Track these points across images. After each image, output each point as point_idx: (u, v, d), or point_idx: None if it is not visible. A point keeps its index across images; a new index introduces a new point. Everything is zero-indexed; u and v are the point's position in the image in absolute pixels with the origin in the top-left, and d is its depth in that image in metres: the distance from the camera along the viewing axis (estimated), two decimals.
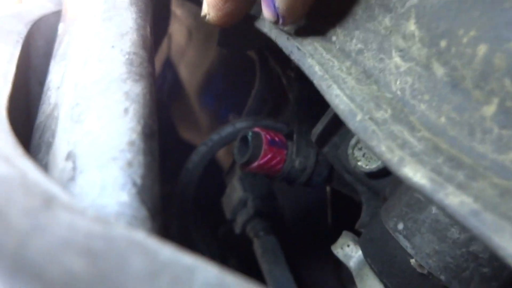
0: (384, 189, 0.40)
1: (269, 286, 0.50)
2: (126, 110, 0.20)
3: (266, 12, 0.28)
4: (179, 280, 0.12)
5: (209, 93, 0.70)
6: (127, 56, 0.22)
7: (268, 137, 0.45)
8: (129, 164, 0.19)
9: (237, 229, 0.58)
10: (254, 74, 0.59)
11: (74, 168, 0.19)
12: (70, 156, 0.19)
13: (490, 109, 0.20)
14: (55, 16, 0.34)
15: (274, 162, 0.47)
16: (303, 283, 0.54)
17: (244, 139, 0.46)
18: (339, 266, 0.47)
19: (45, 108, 0.26)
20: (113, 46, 0.23)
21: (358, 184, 0.43)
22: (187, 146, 0.72)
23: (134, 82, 0.21)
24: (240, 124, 0.55)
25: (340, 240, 0.40)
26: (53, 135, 0.23)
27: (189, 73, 0.70)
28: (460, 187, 0.19)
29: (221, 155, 0.74)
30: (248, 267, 0.57)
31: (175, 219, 0.61)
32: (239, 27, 0.32)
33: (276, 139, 0.46)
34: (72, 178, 0.18)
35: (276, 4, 0.27)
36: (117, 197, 0.17)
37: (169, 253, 0.13)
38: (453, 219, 0.18)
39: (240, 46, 0.43)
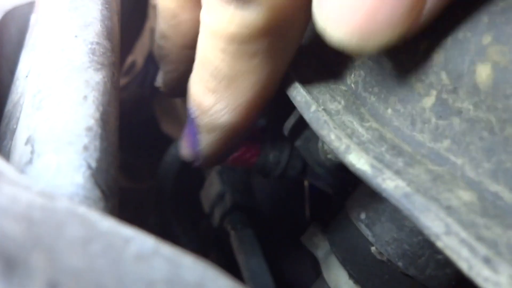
0: (351, 181, 0.42)
1: (244, 277, 0.51)
2: (85, 97, 0.21)
3: (185, 149, 0.27)
4: (112, 247, 0.13)
5: None
6: (89, 46, 0.23)
7: None
8: (85, 148, 0.20)
9: (215, 222, 0.59)
10: None
11: (32, 152, 0.20)
12: (29, 141, 0.20)
13: (429, 101, 0.21)
14: (29, 7, 0.35)
15: (248, 155, 0.48)
16: (280, 274, 0.55)
17: None
18: (315, 257, 0.48)
19: (13, 97, 0.27)
20: (76, 36, 0.23)
21: (328, 177, 0.45)
22: (169, 140, 0.73)
23: (95, 71, 0.22)
24: None
25: (309, 231, 0.41)
26: (17, 122, 0.24)
27: None
28: (398, 172, 0.20)
29: None
30: (228, 261, 0.58)
31: (153, 211, 0.61)
32: None
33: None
34: (29, 161, 0.19)
35: (200, 147, 0.26)
36: (71, 178, 0.18)
37: (108, 224, 0.14)
38: (390, 202, 0.20)
39: None
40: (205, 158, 0.27)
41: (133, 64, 0.78)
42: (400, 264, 0.32)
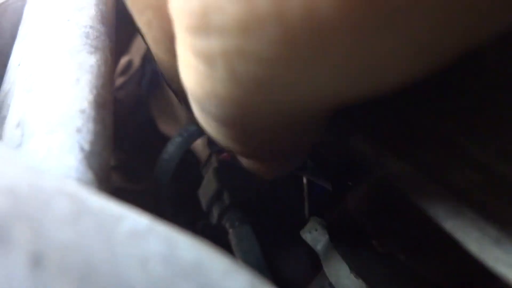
0: (351, 175, 0.41)
1: None
2: (78, 80, 0.20)
3: None
4: (104, 224, 0.12)
5: None
6: (83, 29, 0.23)
7: None
8: (78, 130, 0.19)
9: (213, 220, 0.59)
10: None
11: (22, 135, 0.19)
12: (20, 124, 0.19)
13: None
14: (22, 0, 0.34)
15: None
16: (278, 271, 0.54)
17: None
18: (314, 254, 0.47)
19: (5, 86, 0.26)
20: (69, 20, 0.23)
21: (328, 162, 0.44)
22: (166, 140, 0.72)
23: (89, 54, 0.22)
24: None
25: (309, 225, 0.40)
26: (8, 109, 0.23)
27: None
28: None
29: (200, 149, 0.74)
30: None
31: (150, 212, 0.60)
32: None
33: None
34: (19, 144, 0.19)
35: None
36: (62, 160, 0.18)
37: (100, 202, 0.13)
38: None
39: None
40: None
41: (129, 64, 0.77)
42: (401, 256, 0.32)
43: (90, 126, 0.19)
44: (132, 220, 0.13)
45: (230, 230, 0.54)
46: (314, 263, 0.49)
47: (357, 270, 0.33)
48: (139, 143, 0.75)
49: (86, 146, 0.19)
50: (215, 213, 0.56)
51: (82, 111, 0.20)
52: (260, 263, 0.49)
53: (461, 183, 0.18)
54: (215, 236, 0.61)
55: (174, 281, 0.11)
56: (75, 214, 0.12)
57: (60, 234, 0.11)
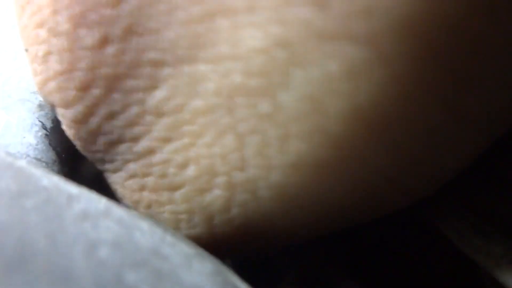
0: None
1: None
2: None
3: None
4: (52, 203, 0.11)
5: None
6: None
7: None
8: (40, 106, 0.18)
9: None
10: None
11: None
12: None
13: None
14: None
15: None
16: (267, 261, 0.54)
17: None
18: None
19: None
20: None
21: None
22: None
23: None
24: None
25: None
26: None
27: None
28: None
29: None
30: None
31: None
32: None
33: None
34: None
35: None
36: (21, 138, 0.17)
37: (52, 180, 0.12)
38: None
39: None
40: None
41: None
42: None
43: None
44: (86, 202, 0.12)
45: None
46: (297, 248, 0.48)
47: None
48: None
49: (48, 124, 0.17)
50: None
51: None
52: None
53: None
54: None
55: (124, 269, 0.10)
56: (20, 191, 0.11)
57: None
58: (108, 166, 0.17)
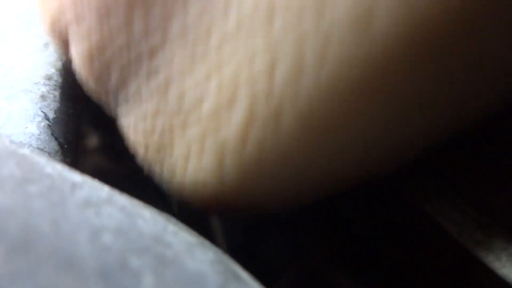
0: None
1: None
2: (46, 45, 0.19)
3: None
4: (55, 190, 0.11)
5: None
6: None
7: None
8: (43, 97, 0.18)
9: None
10: None
11: None
12: None
13: None
14: None
15: None
16: (258, 252, 0.54)
17: None
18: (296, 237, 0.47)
19: None
20: None
21: None
22: None
23: None
24: None
25: None
26: None
27: None
28: None
29: None
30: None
31: (135, 193, 0.60)
32: None
33: None
34: None
35: None
36: (23, 128, 0.17)
37: (59, 168, 0.12)
38: None
39: None
40: None
41: None
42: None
43: (57, 93, 0.18)
44: (89, 189, 0.12)
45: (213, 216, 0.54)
46: (294, 247, 0.49)
47: None
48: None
49: (51, 115, 0.17)
50: None
51: (49, 78, 0.18)
52: (242, 245, 0.49)
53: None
54: (195, 217, 0.61)
55: (127, 254, 0.10)
56: (24, 178, 0.11)
57: (2, 198, 0.10)
58: (120, 109, 0.16)
